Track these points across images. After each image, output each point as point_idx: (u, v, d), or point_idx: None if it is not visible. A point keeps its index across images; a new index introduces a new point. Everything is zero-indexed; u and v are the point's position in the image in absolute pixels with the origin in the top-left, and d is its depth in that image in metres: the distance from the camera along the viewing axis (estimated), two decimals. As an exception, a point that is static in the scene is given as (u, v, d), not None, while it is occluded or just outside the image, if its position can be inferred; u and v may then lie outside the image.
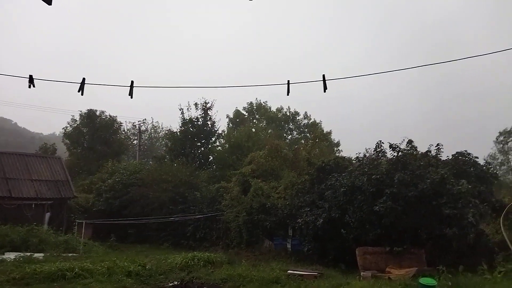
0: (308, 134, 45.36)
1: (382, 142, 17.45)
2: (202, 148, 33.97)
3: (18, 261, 15.20)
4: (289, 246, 19.55)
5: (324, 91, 5.55)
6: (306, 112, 49.47)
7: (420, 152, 16.96)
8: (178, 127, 34.60)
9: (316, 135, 34.89)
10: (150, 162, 42.19)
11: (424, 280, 10.27)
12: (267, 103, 49.67)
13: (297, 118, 49.57)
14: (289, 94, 5.33)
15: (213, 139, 35.00)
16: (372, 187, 15.32)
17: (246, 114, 48.97)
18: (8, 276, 12.52)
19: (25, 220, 20.81)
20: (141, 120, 48.77)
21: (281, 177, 22.82)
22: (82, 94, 4.07)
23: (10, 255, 16.18)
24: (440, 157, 17.10)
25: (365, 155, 18.45)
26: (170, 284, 12.70)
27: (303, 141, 39.27)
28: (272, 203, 20.39)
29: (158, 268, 14.59)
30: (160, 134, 56.27)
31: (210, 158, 34.49)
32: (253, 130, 38.24)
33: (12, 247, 17.71)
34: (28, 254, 16.47)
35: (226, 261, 16.44)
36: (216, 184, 25.82)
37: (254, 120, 47.95)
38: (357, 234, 15.54)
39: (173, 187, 25.59)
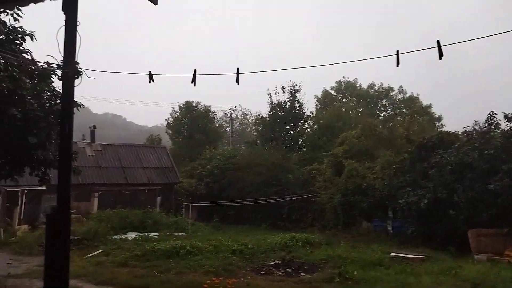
0: (404, 110, 42.46)
1: (495, 113, 15.52)
2: (292, 131, 34.12)
3: (138, 240, 17.26)
4: (389, 228, 18.74)
5: (440, 58, 5.07)
6: (401, 87, 46.27)
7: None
8: (267, 112, 35.29)
9: (414, 110, 32.44)
10: (243, 147, 43.89)
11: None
12: (357, 81, 47.64)
13: (391, 94, 46.68)
14: (399, 65, 4.98)
15: (302, 121, 34.89)
16: (484, 164, 13.80)
17: (335, 93, 47.66)
18: (132, 253, 14.27)
19: (140, 204, 23.42)
20: (232, 108, 50.85)
21: (376, 157, 21.85)
22: (194, 85, 4.36)
23: (131, 235, 18.38)
24: None
25: (474, 129, 16.62)
26: (272, 263, 13.18)
27: (399, 118, 36.90)
28: (368, 184, 19.69)
29: (259, 247, 15.22)
30: (250, 120, 58.04)
31: (299, 140, 34.54)
32: (343, 109, 37.14)
33: (132, 227, 20.04)
34: (146, 233, 18.56)
35: (324, 242, 16.45)
36: (308, 166, 25.81)
37: (344, 99, 46.48)
38: (468, 215, 14.21)
39: (266, 170, 26.32)
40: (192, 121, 42.80)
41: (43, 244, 16.07)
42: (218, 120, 51.13)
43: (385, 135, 23.49)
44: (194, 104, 44.23)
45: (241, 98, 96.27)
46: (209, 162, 30.40)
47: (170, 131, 45.20)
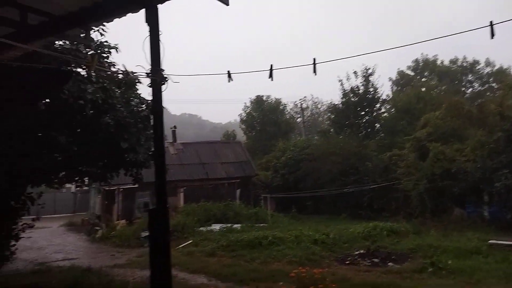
0: (494, 84, 38.25)
1: None
2: (367, 117, 32.73)
3: (222, 231, 18.05)
4: (486, 213, 17.13)
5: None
6: (488, 59, 41.73)
7: None
8: (339, 99, 34.31)
9: (507, 84, 29.02)
10: (316, 137, 43.37)
11: None
12: (437, 57, 44.00)
13: (477, 68, 42.34)
14: (493, 37, 4.47)
15: (378, 105, 33.26)
16: None
17: (412, 73, 44.62)
18: (218, 244, 15.00)
19: (221, 197, 24.43)
20: (302, 98, 50.35)
21: (465, 138, 20.02)
22: (272, 80, 4.40)
23: (216, 226, 19.28)
24: None
25: None
26: (356, 252, 12.87)
27: (488, 93, 33.35)
28: (458, 167, 18.15)
29: (341, 237, 14.95)
30: (321, 108, 56.99)
31: (376, 126, 33.00)
32: (423, 89, 34.61)
33: (215, 219, 20.98)
34: (228, 225, 19.33)
35: (411, 231, 15.60)
36: (387, 152, 24.58)
37: (423, 79, 43.29)
38: None
39: (342, 159, 25.67)
40: (264, 115, 43.38)
41: (140, 237, 17.66)
42: (289, 112, 51.12)
43: (474, 114, 21.42)
44: (264, 98, 44.77)
45: (311, 88, 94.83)
46: (283, 154, 30.58)
47: (244, 126, 46.34)
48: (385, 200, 22.52)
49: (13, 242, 8.82)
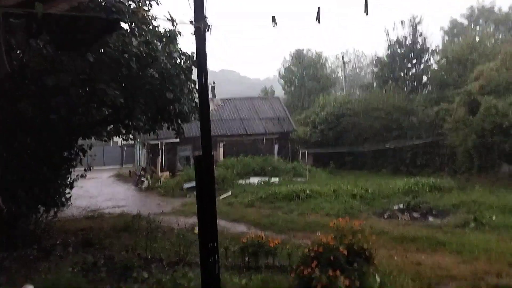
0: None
1: None
2: (414, 70, 30.95)
3: (261, 184, 18.52)
4: (537, 171, 16.22)
5: None
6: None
7: None
8: (383, 52, 32.55)
9: None
10: (357, 92, 41.94)
11: None
12: (495, 3, 40.04)
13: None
14: None
15: (426, 57, 31.24)
16: None
17: (466, 22, 41.14)
18: (256, 196, 15.44)
19: (259, 152, 24.81)
20: (344, 51, 48.34)
21: (522, 91, 18.57)
22: (319, 22, 4.22)
23: (254, 180, 19.79)
24: None
25: None
26: (396, 207, 12.80)
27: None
28: (511, 122, 17.03)
29: (381, 192, 14.86)
30: (364, 62, 54.59)
31: (423, 79, 31.23)
32: (477, 39, 31.92)
33: (254, 173, 21.50)
34: (266, 179, 19.76)
35: (455, 187, 15.17)
36: (435, 106, 23.42)
37: (477, 27, 39.84)
38: None
39: (385, 114, 24.85)
40: (303, 69, 42.29)
41: (182, 187, 18.53)
42: (329, 66, 49.45)
43: (534, 64, 19.64)
44: (304, 52, 43.41)
45: (354, 40, 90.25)
46: (322, 110, 30.02)
47: (282, 81, 45.61)
48: (429, 156, 21.84)
49: (67, 190, 9.56)
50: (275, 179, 19.76)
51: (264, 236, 7.19)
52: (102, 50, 7.59)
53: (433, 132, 21.80)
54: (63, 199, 9.38)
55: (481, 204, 11.78)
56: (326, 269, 5.25)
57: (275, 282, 5.90)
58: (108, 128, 10.99)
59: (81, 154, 9.44)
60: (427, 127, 22.47)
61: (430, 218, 11.25)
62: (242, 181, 19.57)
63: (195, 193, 13.46)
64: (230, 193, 17.06)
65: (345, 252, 5.51)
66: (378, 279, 5.57)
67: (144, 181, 21.62)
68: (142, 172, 23.33)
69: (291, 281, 5.72)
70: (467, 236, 8.91)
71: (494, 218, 10.18)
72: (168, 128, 10.32)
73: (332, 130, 27.72)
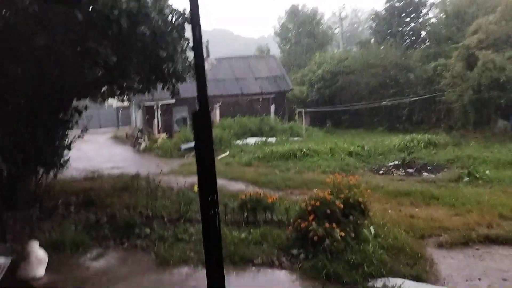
0: None
1: None
2: (412, 24, 30.23)
3: (258, 144, 18.61)
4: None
5: None
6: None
7: None
8: (382, 7, 31.57)
9: None
10: (354, 49, 41.16)
11: None
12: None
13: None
14: None
15: (425, 10, 30.43)
16: None
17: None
18: (254, 155, 15.58)
19: (256, 112, 24.71)
20: (341, 6, 46.81)
21: (521, 44, 18.27)
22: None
23: (251, 140, 19.86)
24: None
25: None
26: (391, 164, 13.00)
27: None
28: (508, 76, 16.92)
29: (376, 149, 15.02)
30: (362, 17, 53.12)
31: (422, 34, 30.59)
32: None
33: (250, 133, 21.54)
34: (263, 139, 19.84)
35: (450, 143, 15.35)
36: (433, 62, 23.13)
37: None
38: None
39: (382, 70, 24.58)
40: (299, 26, 41.17)
41: (180, 148, 18.61)
42: (326, 22, 48.09)
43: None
44: (300, 7, 42.01)
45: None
46: (319, 67, 29.58)
47: (278, 39, 44.53)
48: (425, 112, 21.88)
49: (65, 152, 9.58)
50: (272, 139, 19.85)
51: (262, 193, 7.34)
52: (90, 8, 7.31)
53: (430, 88, 21.69)
54: (62, 161, 9.42)
55: (476, 159, 11.98)
56: (323, 222, 5.42)
57: (273, 235, 6.10)
58: (102, 90, 10.83)
59: (77, 114, 9.37)
60: (425, 83, 22.32)
61: (425, 174, 11.46)
62: (239, 142, 19.66)
63: (193, 154, 13.60)
64: (227, 153, 17.18)
65: (341, 205, 5.67)
66: (372, 230, 5.77)
67: (141, 142, 21.65)
68: (139, 134, 23.32)
69: (288, 234, 5.92)
70: (461, 190, 9.13)
71: (487, 172, 10.38)
72: (163, 88, 10.17)
73: (329, 88, 27.46)
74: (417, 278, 4.78)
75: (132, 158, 18.58)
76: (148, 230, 6.72)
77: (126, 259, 5.88)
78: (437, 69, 21.86)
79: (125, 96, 11.84)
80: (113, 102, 29.37)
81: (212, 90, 24.93)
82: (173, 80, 9.48)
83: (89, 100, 11.41)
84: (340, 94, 26.58)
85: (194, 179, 11.10)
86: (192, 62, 9.57)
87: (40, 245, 5.27)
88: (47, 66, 7.14)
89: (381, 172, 12.17)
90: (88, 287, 4.69)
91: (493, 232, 6.22)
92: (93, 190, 9.80)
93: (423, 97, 21.43)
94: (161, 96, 19.73)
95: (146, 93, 10.81)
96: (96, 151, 20.25)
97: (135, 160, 17.95)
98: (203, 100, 3.12)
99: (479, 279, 4.89)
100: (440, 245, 5.97)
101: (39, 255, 4.47)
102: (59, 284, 4.82)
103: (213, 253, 3.01)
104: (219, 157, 16.16)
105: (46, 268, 4.80)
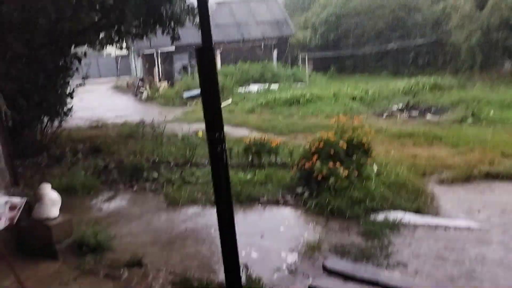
0: None
1: None
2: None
3: (260, 91, 18.43)
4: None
5: None
6: None
7: None
8: None
9: None
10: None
11: None
12: None
13: None
14: None
15: None
16: None
17: None
18: (257, 102, 15.47)
19: (258, 59, 24.17)
20: None
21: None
22: None
23: (254, 87, 19.63)
24: None
25: None
26: (395, 107, 12.92)
27: None
28: (520, 15, 16.22)
29: (381, 94, 14.86)
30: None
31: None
32: None
33: (253, 80, 21.23)
34: (266, 85, 19.59)
35: (456, 85, 15.12)
36: (442, 2, 22.11)
37: None
38: None
39: (389, 12, 23.60)
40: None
41: (182, 96, 18.48)
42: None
43: None
44: None
45: None
46: (323, 10, 28.39)
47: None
48: (432, 55, 21.31)
49: (68, 100, 9.56)
50: (274, 86, 19.61)
51: (266, 137, 7.40)
52: None
53: (438, 30, 20.94)
54: (65, 109, 9.44)
55: (480, 100, 11.85)
56: (327, 161, 5.51)
57: (278, 176, 6.25)
58: (100, 36, 10.55)
59: (76, 61, 9.23)
60: (433, 25, 21.52)
61: (429, 116, 11.43)
62: (241, 89, 19.46)
63: (195, 101, 13.56)
64: (230, 101, 17.09)
65: (344, 146, 5.72)
66: (375, 168, 5.88)
67: (143, 91, 21.50)
68: (140, 83, 23.08)
69: (293, 174, 6.05)
70: (464, 131, 9.15)
71: (491, 113, 10.33)
72: (162, 33, 9.88)
73: (333, 32, 26.55)
74: (418, 212, 4.96)
75: (134, 107, 18.55)
76: (156, 174, 6.89)
77: (136, 201, 6.09)
78: (445, 9, 20.95)
79: (123, 43, 11.56)
80: (112, 50, 28.74)
81: (212, 36, 24.22)
82: (172, 24, 9.20)
83: (88, 47, 11.18)
84: (344, 38, 25.76)
85: (198, 126, 11.20)
86: (191, 6, 9.23)
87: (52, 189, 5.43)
88: (43, 8, 6.90)
89: (385, 115, 12.13)
90: (103, 225, 4.90)
91: (495, 169, 6.33)
92: (99, 138, 9.91)
93: (430, 40, 20.76)
94: (161, 43, 19.27)
95: (145, 39, 10.54)
96: (98, 100, 20.20)
97: (138, 109, 17.93)
98: (207, 35, 3.06)
99: (479, 211, 5.05)
100: (441, 182, 6.11)
101: (52, 197, 4.62)
102: (73, 224, 5.04)
103: (222, 187, 3.11)
104: (222, 105, 16.05)
105: (60, 210, 5.00)
